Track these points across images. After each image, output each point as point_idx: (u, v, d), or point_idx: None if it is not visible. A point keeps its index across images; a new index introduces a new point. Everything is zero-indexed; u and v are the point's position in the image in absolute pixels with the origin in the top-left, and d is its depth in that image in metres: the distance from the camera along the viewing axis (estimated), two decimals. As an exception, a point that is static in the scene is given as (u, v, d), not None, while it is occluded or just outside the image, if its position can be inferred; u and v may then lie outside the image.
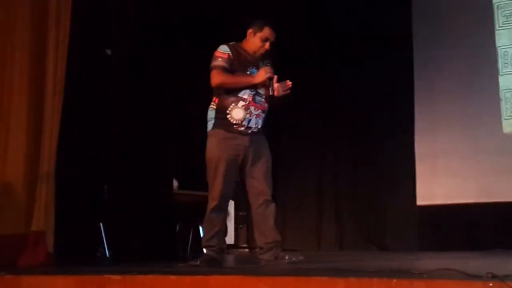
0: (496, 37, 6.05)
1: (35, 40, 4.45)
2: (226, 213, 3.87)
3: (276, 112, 3.98)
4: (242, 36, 3.89)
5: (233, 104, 3.72)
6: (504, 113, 5.95)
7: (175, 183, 5.50)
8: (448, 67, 6.27)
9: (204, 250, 3.82)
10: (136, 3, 5.14)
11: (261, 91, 3.78)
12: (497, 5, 6.11)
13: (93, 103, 4.62)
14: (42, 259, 4.07)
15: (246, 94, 3.74)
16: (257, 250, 3.99)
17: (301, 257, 3.76)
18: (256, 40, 3.81)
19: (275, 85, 3.73)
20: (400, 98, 6.37)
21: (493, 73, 6.01)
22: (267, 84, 3.72)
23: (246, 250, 6.79)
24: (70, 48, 4.37)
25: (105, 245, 4.73)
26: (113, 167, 4.84)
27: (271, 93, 3.72)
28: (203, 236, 3.87)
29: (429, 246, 5.83)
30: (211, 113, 3.79)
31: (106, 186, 4.82)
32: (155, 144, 5.07)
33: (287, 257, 3.73)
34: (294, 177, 6.76)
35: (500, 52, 6.02)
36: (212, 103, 3.81)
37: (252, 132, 3.76)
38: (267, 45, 3.81)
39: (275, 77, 3.74)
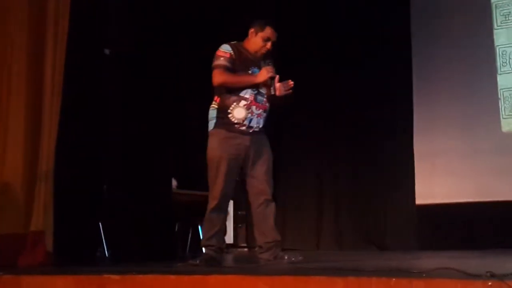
0: (495, 37, 6.06)
1: (33, 40, 4.44)
2: (226, 213, 3.88)
3: (276, 112, 3.98)
4: (242, 36, 3.90)
5: (234, 104, 3.72)
6: (503, 112, 5.95)
7: (174, 183, 5.49)
8: (446, 67, 6.27)
9: (204, 250, 3.82)
10: (134, 2, 5.14)
11: (263, 90, 3.78)
12: (495, 5, 6.12)
13: (91, 103, 4.62)
14: (41, 259, 4.07)
15: (247, 94, 3.74)
16: (256, 249, 3.99)
17: (300, 257, 3.76)
18: (257, 40, 3.81)
19: (277, 84, 3.73)
20: (398, 98, 6.37)
21: (492, 72, 6.02)
22: (268, 83, 3.72)
23: (245, 249, 6.79)
24: (68, 48, 4.37)
25: (104, 245, 4.73)
26: (112, 167, 4.84)
27: (272, 93, 3.72)
28: (202, 235, 3.87)
29: (428, 246, 5.82)
30: (212, 113, 3.79)
31: (105, 186, 4.82)
32: (154, 144, 5.07)
33: (286, 257, 3.74)
34: (294, 176, 6.75)
35: (498, 51, 6.03)
36: (214, 102, 3.80)
37: (254, 131, 3.76)
38: (268, 44, 3.82)
39: (277, 76, 3.74)
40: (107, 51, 4.86)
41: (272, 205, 3.79)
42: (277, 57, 3.90)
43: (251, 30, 3.84)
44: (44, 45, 4.39)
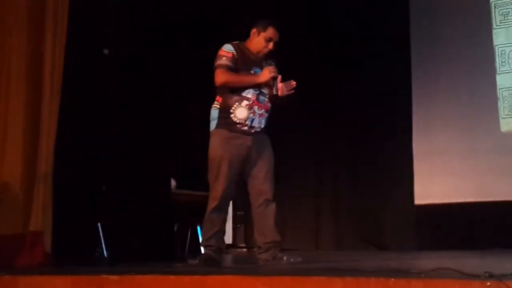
0: (494, 36, 6.06)
1: (32, 40, 4.44)
2: (226, 213, 3.86)
3: (277, 112, 3.97)
4: (242, 36, 3.89)
5: (236, 103, 3.72)
6: (502, 112, 5.95)
7: (173, 183, 5.49)
8: (445, 67, 6.27)
9: (203, 250, 3.81)
10: (134, 2, 5.13)
11: (265, 90, 3.78)
12: (494, 4, 6.12)
13: (90, 103, 4.61)
14: (39, 259, 4.07)
15: (250, 94, 3.73)
16: (255, 249, 3.99)
17: (299, 259, 3.75)
18: (260, 40, 3.81)
19: (279, 85, 3.73)
20: (398, 98, 6.36)
21: (491, 72, 6.02)
22: (271, 83, 3.72)
23: (244, 249, 6.79)
24: (68, 48, 4.37)
25: (103, 245, 4.73)
26: (111, 167, 4.83)
27: (274, 93, 3.72)
28: (202, 235, 3.85)
29: (427, 246, 5.82)
30: (214, 113, 3.78)
31: (104, 186, 4.81)
32: (153, 144, 5.06)
33: (285, 258, 3.73)
34: (292, 177, 6.75)
35: (497, 51, 6.03)
36: (216, 102, 3.80)
37: (255, 131, 3.76)
38: (270, 45, 3.81)
39: (279, 77, 3.74)
40: (106, 51, 4.85)
41: (273, 206, 3.78)
42: (279, 57, 3.89)
43: (254, 30, 3.84)
44: (43, 45, 4.39)
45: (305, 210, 6.72)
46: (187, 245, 5.77)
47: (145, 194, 4.90)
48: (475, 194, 5.87)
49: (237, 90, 3.72)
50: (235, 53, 3.74)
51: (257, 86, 3.75)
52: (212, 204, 3.70)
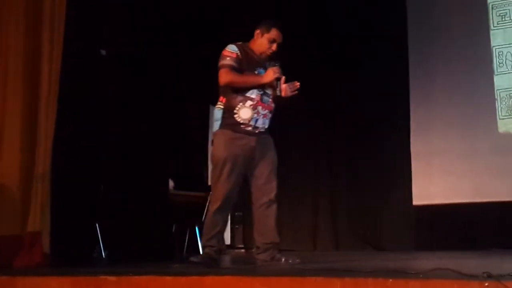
0: (491, 37, 6.07)
1: (29, 40, 4.43)
2: (228, 214, 3.85)
3: (277, 112, 3.97)
4: (241, 36, 3.89)
5: (240, 104, 3.72)
6: (499, 113, 5.96)
7: (171, 184, 5.49)
8: (443, 67, 6.27)
9: (203, 250, 3.80)
10: (134, 2, 5.13)
11: (269, 91, 3.78)
12: (492, 5, 6.13)
13: (88, 103, 4.61)
14: (38, 260, 4.06)
15: (254, 94, 3.74)
16: (254, 250, 3.98)
17: (297, 260, 3.74)
18: (263, 41, 3.81)
19: (283, 85, 3.73)
20: (395, 98, 6.37)
21: (488, 73, 6.03)
22: (274, 84, 3.72)
23: (242, 250, 6.79)
24: (65, 48, 4.36)
25: (101, 246, 4.72)
26: (109, 167, 4.83)
27: (278, 94, 3.72)
28: (203, 235, 3.83)
29: (425, 246, 5.82)
30: (218, 113, 3.78)
31: (102, 187, 4.81)
32: (151, 145, 5.06)
33: (283, 259, 3.72)
34: (291, 177, 6.73)
35: (495, 51, 6.04)
36: (219, 102, 3.79)
37: (259, 132, 3.76)
38: (274, 46, 3.81)
39: (283, 77, 3.74)
40: (103, 52, 4.85)
41: (274, 206, 3.77)
42: (284, 58, 3.88)
43: (257, 31, 3.83)
44: (40, 45, 4.38)
45: (303, 210, 6.71)
46: (185, 246, 5.77)
47: (144, 194, 4.90)
48: (473, 194, 5.88)
49: (241, 91, 3.72)
50: (239, 54, 3.74)
51: (261, 87, 3.75)
52: (214, 205, 3.69)
